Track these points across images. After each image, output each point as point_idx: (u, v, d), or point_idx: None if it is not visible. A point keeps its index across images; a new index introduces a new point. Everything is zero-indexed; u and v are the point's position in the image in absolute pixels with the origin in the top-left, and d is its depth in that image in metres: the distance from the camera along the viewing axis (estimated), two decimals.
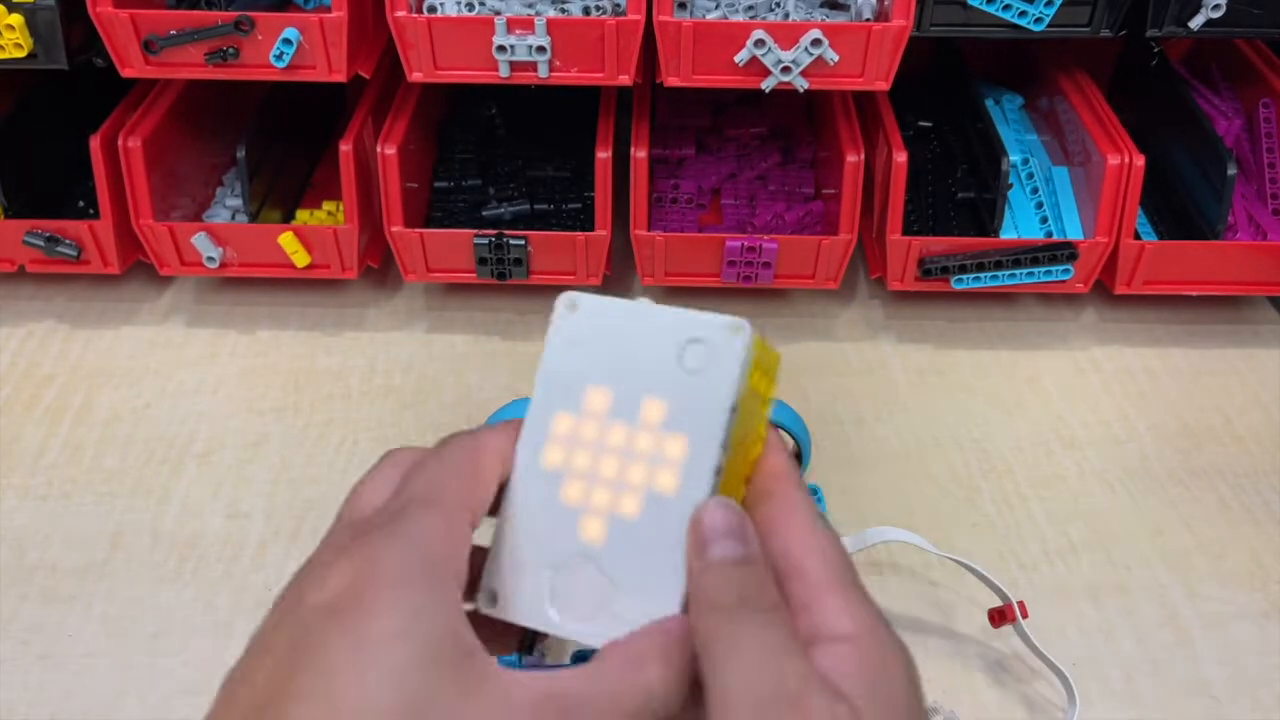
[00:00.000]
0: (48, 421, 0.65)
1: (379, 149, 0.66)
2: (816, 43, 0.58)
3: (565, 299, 0.35)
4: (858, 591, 0.31)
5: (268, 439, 0.64)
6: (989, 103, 0.77)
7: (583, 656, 0.44)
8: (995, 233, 0.69)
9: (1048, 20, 0.61)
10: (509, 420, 0.34)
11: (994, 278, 0.67)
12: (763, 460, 0.34)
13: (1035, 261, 0.67)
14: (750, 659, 0.28)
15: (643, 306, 0.34)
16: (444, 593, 0.28)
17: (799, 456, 0.58)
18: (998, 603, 0.51)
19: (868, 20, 0.61)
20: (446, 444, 0.32)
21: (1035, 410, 0.66)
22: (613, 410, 0.33)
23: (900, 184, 0.66)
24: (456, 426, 0.36)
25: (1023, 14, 0.61)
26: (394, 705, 0.25)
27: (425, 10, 0.61)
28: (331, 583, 0.28)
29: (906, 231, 0.69)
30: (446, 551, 0.29)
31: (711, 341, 0.32)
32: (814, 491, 0.54)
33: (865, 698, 0.28)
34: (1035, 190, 0.71)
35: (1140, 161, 0.66)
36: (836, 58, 0.59)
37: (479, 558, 0.32)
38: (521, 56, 0.60)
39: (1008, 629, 0.50)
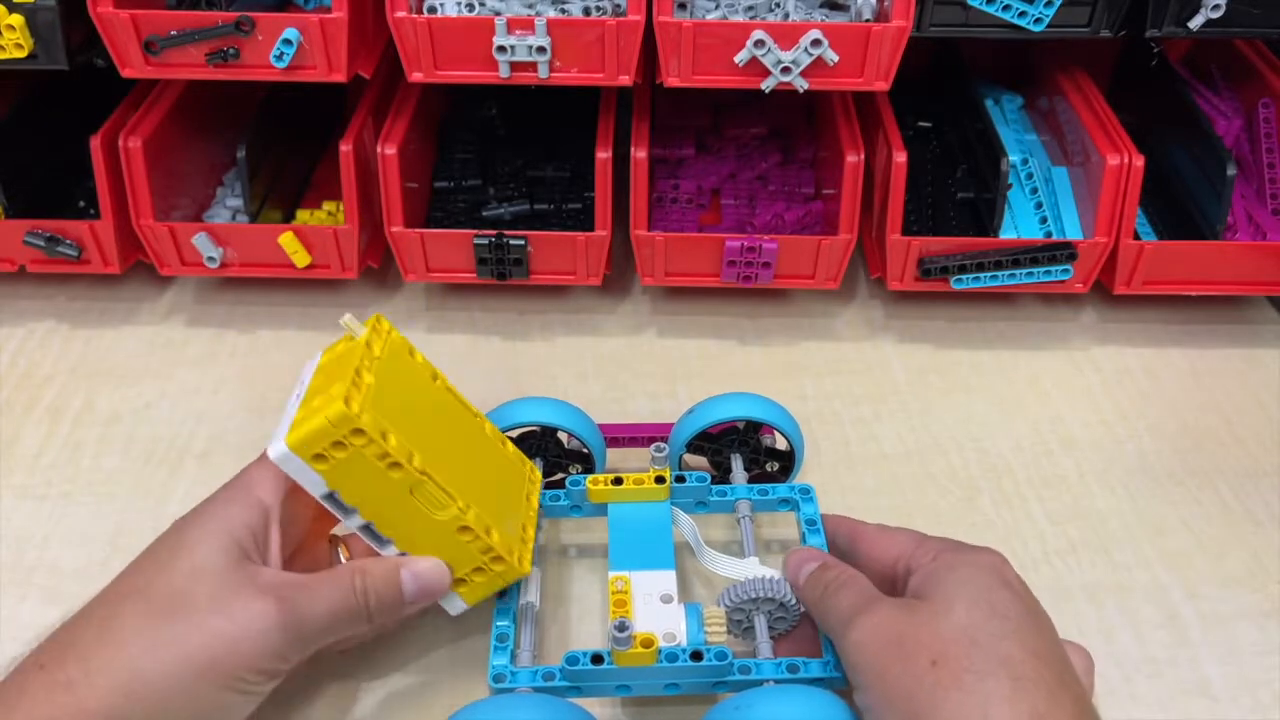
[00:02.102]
0: (48, 421, 0.65)
1: (379, 149, 0.66)
2: (816, 43, 0.58)
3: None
4: (900, 531, 0.48)
5: (268, 439, 0.63)
6: (989, 103, 0.77)
7: (574, 659, 0.45)
8: (995, 233, 0.69)
9: (1047, 20, 0.61)
10: None
11: (994, 278, 0.67)
12: (841, 527, 0.51)
13: (1035, 261, 0.67)
14: (838, 608, 0.45)
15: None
16: (242, 511, 0.45)
17: (790, 456, 0.58)
18: None
19: (867, 21, 0.61)
20: None
21: (1035, 410, 0.66)
22: None
23: (900, 184, 0.66)
24: None
25: (1022, 14, 0.61)
26: (175, 565, 0.43)
27: (425, 11, 0.61)
28: (197, 506, 0.46)
29: (906, 231, 0.69)
30: (259, 489, 0.46)
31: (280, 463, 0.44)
32: (805, 491, 0.54)
33: (935, 589, 0.43)
34: (1035, 190, 0.71)
35: (1140, 161, 0.66)
36: (836, 58, 0.59)
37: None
38: (521, 57, 0.60)
39: None
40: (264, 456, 0.47)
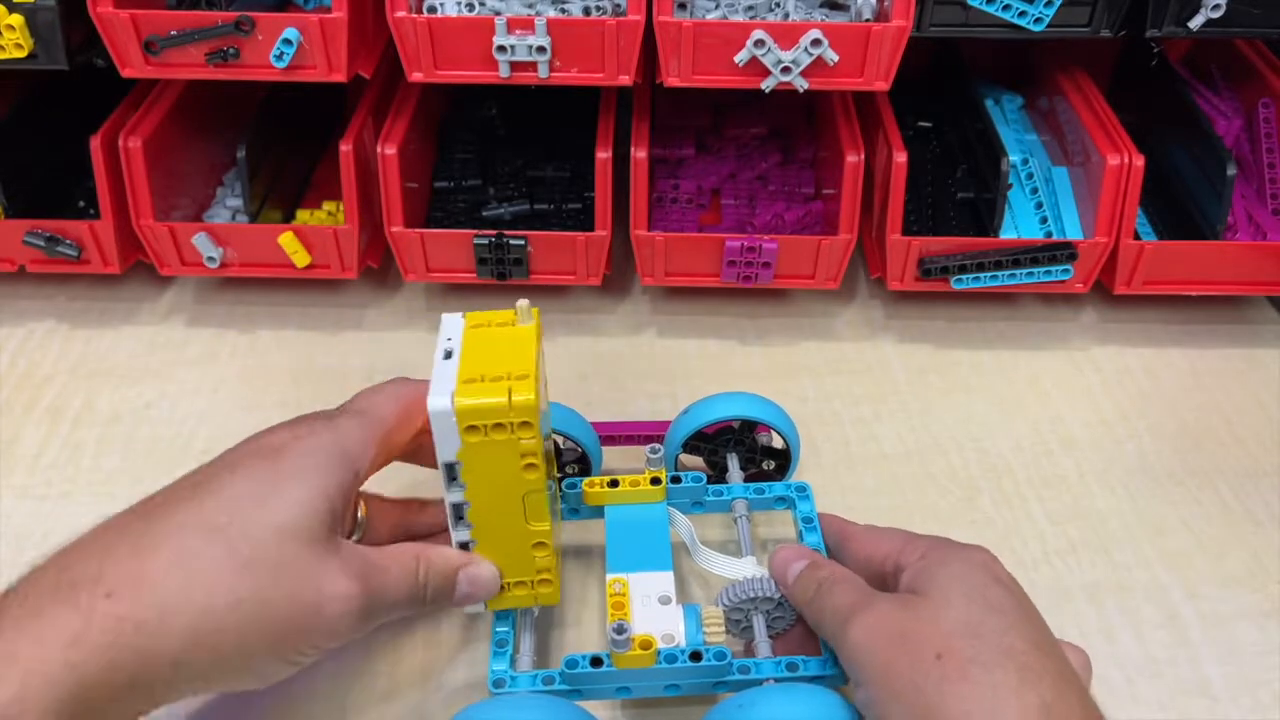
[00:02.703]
0: (48, 421, 0.65)
1: (379, 149, 0.66)
2: (816, 43, 0.58)
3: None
4: (888, 530, 0.48)
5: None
6: (989, 103, 0.77)
7: (573, 662, 0.45)
8: (995, 233, 0.69)
9: (1048, 20, 0.61)
10: None
11: (994, 278, 0.67)
12: (830, 526, 0.51)
13: (1035, 261, 0.67)
14: (833, 607, 0.44)
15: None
16: (338, 474, 0.42)
17: (786, 454, 0.58)
18: None
19: (867, 20, 0.61)
20: (394, 379, 0.48)
21: (1035, 410, 0.66)
22: None
23: (900, 184, 0.66)
24: None
25: (1022, 14, 0.61)
26: (264, 517, 0.40)
27: (425, 10, 0.61)
28: (275, 436, 0.43)
29: (906, 231, 0.69)
30: (354, 450, 0.43)
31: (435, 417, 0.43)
32: (802, 489, 0.54)
33: (928, 585, 0.43)
34: (1035, 190, 0.71)
35: (1140, 161, 0.66)
36: (836, 58, 0.59)
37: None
38: (521, 56, 0.60)
39: None
40: (360, 416, 0.45)
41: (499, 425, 0.43)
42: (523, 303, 0.47)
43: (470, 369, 0.44)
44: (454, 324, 0.47)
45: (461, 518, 0.46)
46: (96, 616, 0.37)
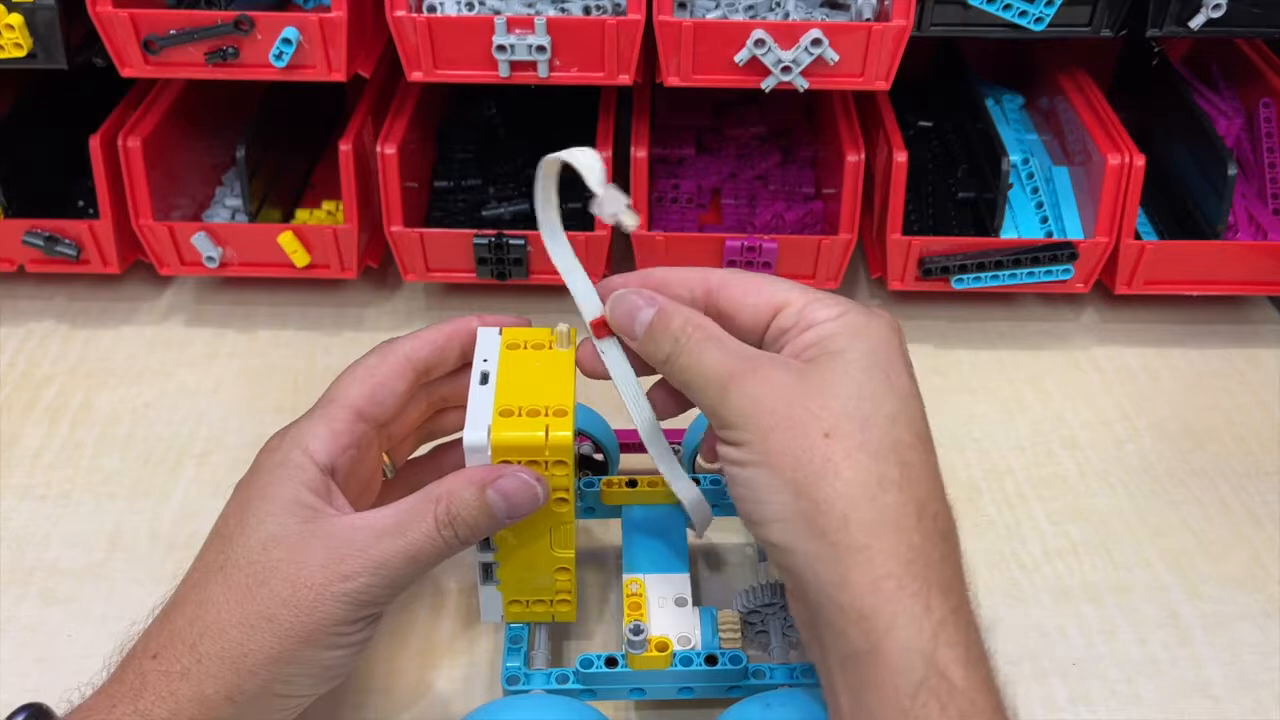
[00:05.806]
0: (47, 421, 0.64)
1: (379, 149, 0.66)
2: (816, 42, 0.58)
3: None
4: (779, 280, 0.43)
5: (268, 439, 0.63)
6: (989, 103, 0.77)
7: (588, 662, 0.45)
8: (995, 233, 0.69)
9: (1048, 20, 0.61)
10: (427, 329, 0.48)
11: (994, 278, 0.67)
12: (690, 282, 0.44)
13: (1035, 261, 0.67)
14: (702, 370, 0.41)
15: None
16: (305, 473, 0.43)
17: None
18: None
19: (868, 20, 0.61)
20: (370, 351, 0.48)
21: (1035, 410, 0.66)
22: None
23: (900, 184, 0.66)
24: None
25: (1023, 14, 0.61)
26: (246, 540, 0.41)
27: (425, 10, 0.61)
28: (258, 455, 0.45)
29: (906, 231, 0.69)
30: (314, 445, 0.44)
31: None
32: None
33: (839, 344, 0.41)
34: (1035, 190, 0.71)
35: (1140, 161, 0.66)
36: (836, 57, 0.59)
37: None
38: (521, 56, 0.60)
39: None
40: (322, 407, 0.45)
41: (533, 461, 0.42)
42: (562, 327, 0.46)
43: (507, 398, 0.43)
44: (490, 341, 0.46)
45: (486, 541, 0.45)
46: (150, 676, 0.40)
